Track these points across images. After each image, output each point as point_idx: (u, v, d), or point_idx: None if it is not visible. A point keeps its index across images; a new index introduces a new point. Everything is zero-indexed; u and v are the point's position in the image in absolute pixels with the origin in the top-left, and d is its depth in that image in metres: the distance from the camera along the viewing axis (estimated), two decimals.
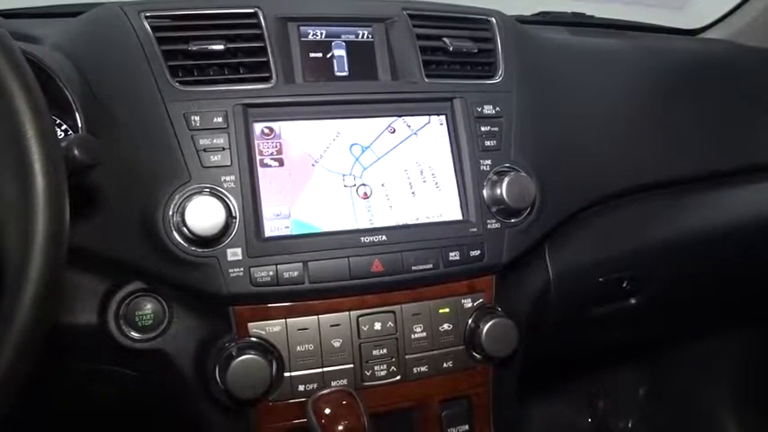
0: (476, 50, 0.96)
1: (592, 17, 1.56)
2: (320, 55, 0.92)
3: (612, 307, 1.12)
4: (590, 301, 1.09)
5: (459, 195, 0.90)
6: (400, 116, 0.91)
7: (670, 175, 1.13)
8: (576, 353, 1.40)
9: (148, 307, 0.85)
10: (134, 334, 0.84)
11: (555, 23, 1.49)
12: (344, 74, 0.92)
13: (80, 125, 0.81)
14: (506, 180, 0.88)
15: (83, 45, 0.88)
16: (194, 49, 0.85)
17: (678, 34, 1.58)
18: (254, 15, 0.89)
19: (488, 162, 0.91)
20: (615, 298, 1.10)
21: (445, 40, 0.96)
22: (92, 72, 0.85)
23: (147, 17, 0.86)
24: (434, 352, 0.89)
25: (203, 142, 0.81)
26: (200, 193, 0.79)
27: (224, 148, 0.81)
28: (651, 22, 1.58)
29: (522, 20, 1.30)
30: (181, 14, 0.88)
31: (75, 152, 0.65)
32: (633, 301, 1.12)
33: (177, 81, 0.83)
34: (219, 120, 0.82)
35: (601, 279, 1.06)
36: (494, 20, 1.02)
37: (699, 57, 1.36)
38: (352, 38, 0.94)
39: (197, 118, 0.82)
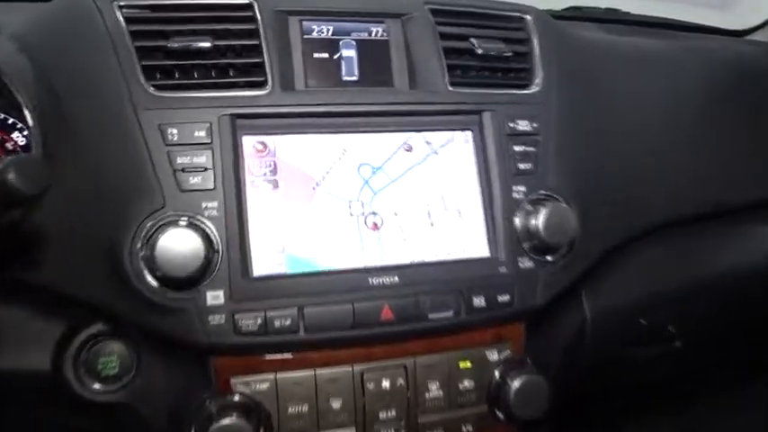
0: (509, 54, 0.82)
1: (627, 14, 1.41)
2: (326, 56, 0.78)
3: (653, 350, 0.98)
4: (629, 344, 0.95)
5: (487, 228, 0.76)
6: (419, 131, 0.77)
7: (723, 201, 0.99)
8: (607, 396, 1.25)
9: (113, 353, 0.72)
10: (96, 385, 0.71)
11: (586, 20, 1.34)
12: (353, 78, 0.78)
13: (32, 139, 0.67)
14: (543, 211, 0.74)
15: (45, 37, 0.74)
16: (175, 46, 0.71)
17: (722, 35, 1.43)
18: (249, 7, 0.75)
19: (522, 188, 0.77)
20: (657, 341, 0.97)
21: (473, 41, 0.81)
22: (53, 71, 0.71)
23: (120, 6, 0.72)
24: (452, 413, 0.75)
25: (182, 161, 0.67)
26: (175, 223, 0.65)
27: (206, 169, 0.68)
28: (692, 21, 1.43)
29: (551, 15, 1.16)
30: (161, 4, 0.74)
31: (11, 179, 0.51)
32: (678, 344, 0.97)
33: (153, 85, 0.69)
34: (202, 134, 0.68)
35: (642, 320, 0.92)
36: (529, 18, 0.87)
37: (751, 62, 1.21)
38: (363, 36, 0.79)
39: (174, 131, 0.68)
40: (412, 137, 0.76)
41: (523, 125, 0.79)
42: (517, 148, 0.78)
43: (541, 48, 0.85)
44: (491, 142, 0.77)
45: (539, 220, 0.74)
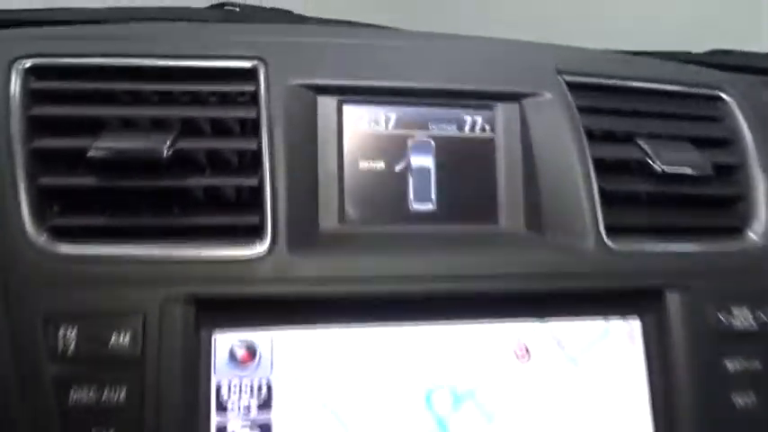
0: (707, 171, 0.45)
1: None
2: (381, 165, 0.43)
3: None
4: None
5: None
6: (544, 320, 0.41)
7: None
8: None
9: None
10: None
11: (741, 70, 0.95)
12: (428, 209, 0.43)
13: None
14: None
15: None
16: (100, 155, 0.37)
17: None
18: (250, 76, 0.42)
19: None
20: None
21: (643, 144, 0.45)
22: None
23: (27, 70, 0.40)
24: None
25: (81, 396, 0.34)
26: None
27: (121, 412, 0.34)
28: None
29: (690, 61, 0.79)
30: (95, 65, 0.41)
31: None
32: None
33: (47, 229, 0.36)
34: (125, 340, 0.35)
35: None
36: (729, 99, 0.51)
37: None
38: (449, 131, 0.45)
39: (73, 331, 0.35)
40: (530, 331, 0.41)
41: (743, 317, 0.42)
42: (731, 365, 0.41)
43: (761, 156, 0.48)
44: (681, 346, 0.41)
45: None
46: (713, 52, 0.96)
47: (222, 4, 0.72)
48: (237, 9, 0.71)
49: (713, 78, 0.53)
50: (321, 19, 0.70)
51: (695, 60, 0.86)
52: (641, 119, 0.47)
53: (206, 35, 0.45)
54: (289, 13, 0.71)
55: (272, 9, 0.73)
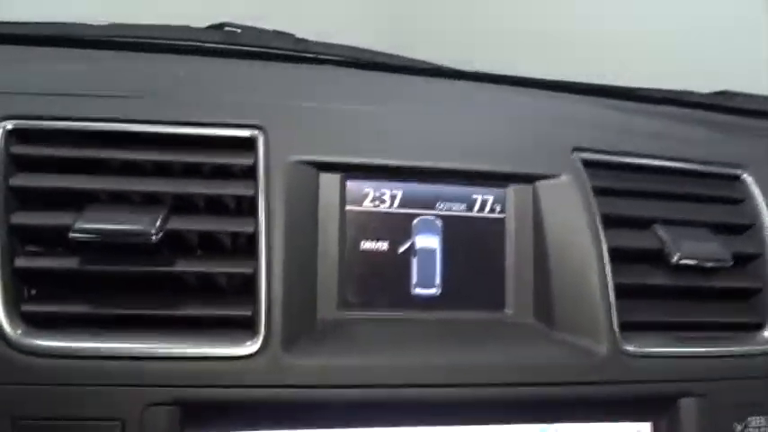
0: (729, 264, 0.43)
1: None
2: (384, 247, 0.41)
3: None
4: None
5: None
6: (550, 423, 0.38)
7: None
8: None
9: None
10: None
11: (747, 113, 0.93)
12: (432, 293, 0.41)
13: None
14: None
15: None
16: (82, 235, 0.34)
17: None
18: (248, 146, 0.39)
19: None
20: None
21: (660, 233, 0.43)
22: None
23: (8, 132, 0.37)
24: None
25: None
26: None
27: None
28: None
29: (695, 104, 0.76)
30: (84, 130, 0.38)
31: None
32: None
33: (19, 317, 0.34)
34: None
35: None
36: (750, 179, 0.49)
37: None
38: (457, 211, 0.42)
39: None
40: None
41: (761, 429, 0.40)
42: None
43: None
44: None
45: None
46: (719, 94, 0.94)
47: (222, 25, 0.70)
48: (238, 30, 0.68)
49: (734, 152, 0.50)
50: (321, 43, 0.67)
51: (700, 102, 0.84)
52: (659, 201, 0.45)
53: (202, 92, 0.42)
54: (289, 35, 0.68)
55: (273, 32, 0.70)
